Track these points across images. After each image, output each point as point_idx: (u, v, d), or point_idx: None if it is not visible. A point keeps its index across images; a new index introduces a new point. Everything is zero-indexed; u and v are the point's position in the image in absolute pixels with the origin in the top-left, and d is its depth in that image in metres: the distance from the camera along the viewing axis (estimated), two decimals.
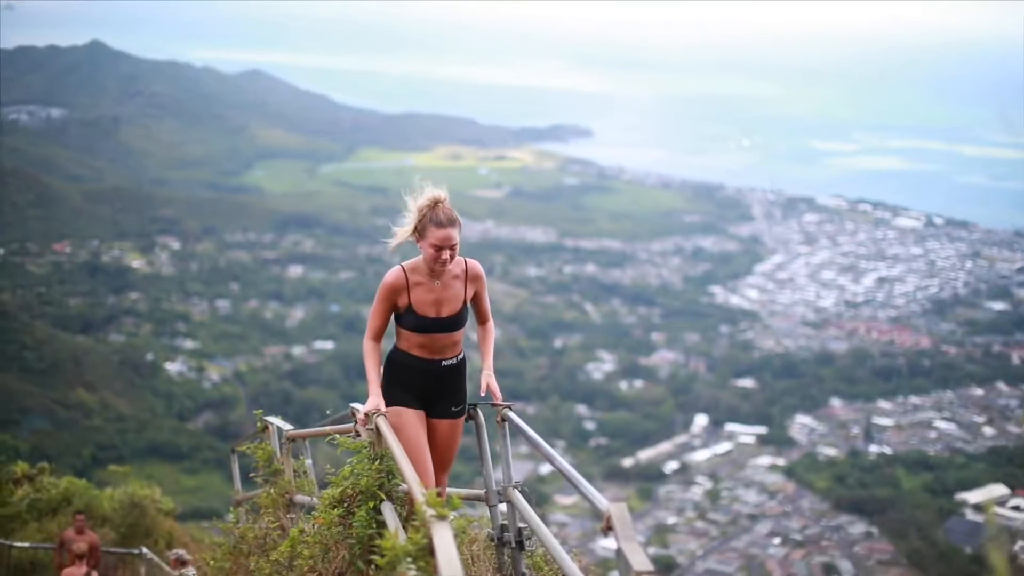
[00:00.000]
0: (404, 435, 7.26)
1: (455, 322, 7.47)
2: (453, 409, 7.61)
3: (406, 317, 7.44)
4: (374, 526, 6.56)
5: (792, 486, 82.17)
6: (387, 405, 7.38)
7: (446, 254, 7.27)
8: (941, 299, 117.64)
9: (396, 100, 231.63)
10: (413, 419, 7.46)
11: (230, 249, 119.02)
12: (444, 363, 7.52)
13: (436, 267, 7.34)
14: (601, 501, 5.21)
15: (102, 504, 21.53)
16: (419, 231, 7.39)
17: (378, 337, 7.62)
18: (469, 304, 7.69)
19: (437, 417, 7.60)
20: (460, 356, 7.65)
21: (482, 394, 7.61)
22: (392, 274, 7.46)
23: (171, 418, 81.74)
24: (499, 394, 7.57)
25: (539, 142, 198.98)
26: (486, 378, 7.61)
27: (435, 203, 7.37)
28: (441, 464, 7.63)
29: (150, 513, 21.83)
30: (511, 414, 7.29)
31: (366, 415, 7.26)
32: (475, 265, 7.64)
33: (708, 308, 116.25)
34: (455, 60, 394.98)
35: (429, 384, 7.52)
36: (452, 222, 7.30)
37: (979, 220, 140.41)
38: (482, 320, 7.88)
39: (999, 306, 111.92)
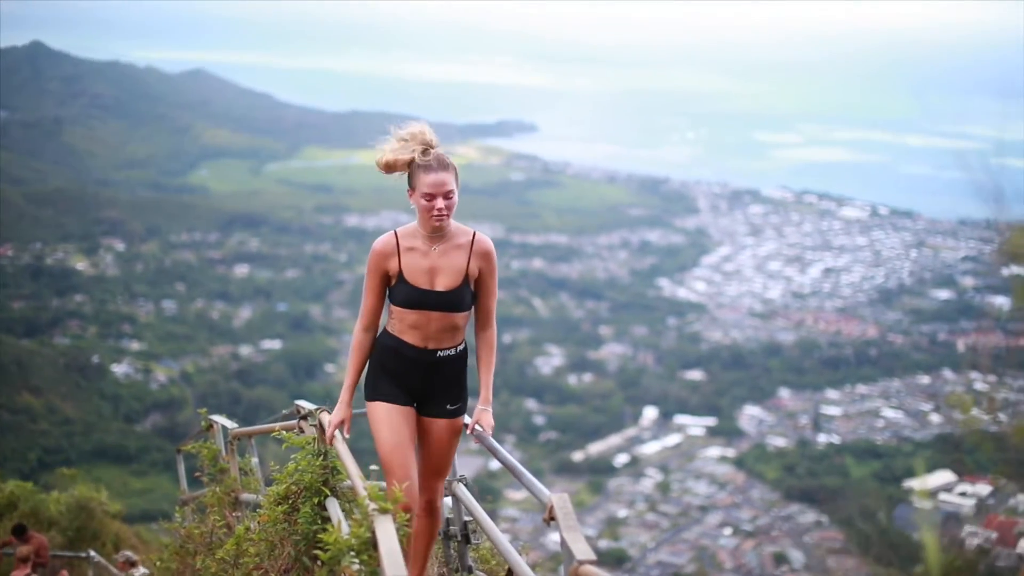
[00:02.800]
0: (381, 435, 6.49)
1: (453, 299, 6.45)
2: (449, 407, 6.65)
3: (397, 289, 6.46)
4: (319, 522, 6.52)
5: (742, 477, 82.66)
6: (368, 399, 6.63)
7: (441, 202, 6.33)
8: (887, 288, 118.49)
9: (340, 98, 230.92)
10: (396, 416, 6.52)
11: (175, 249, 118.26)
12: (440, 353, 6.53)
13: (433, 221, 6.37)
14: (543, 492, 5.22)
15: (48, 508, 21.37)
16: (409, 182, 6.47)
17: (370, 323, 6.65)
18: (472, 290, 6.62)
19: (430, 416, 6.66)
20: (460, 347, 6.63)
21: (468, 432, 6.72)
22: (381, 239, 6.55)
23: (118, 420, 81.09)
24: (489, 434, 6.60)
25: (484, 138, 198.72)
26: (480, 414, 6.67)
27: (423, 149, 6.49)
28: (435, 469, 6.74)
29: (97, 516, 21.69)
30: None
31: (332, 427, 6.57)
32: (484, 239, 6.69)
33: (655, 301, 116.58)
34: (400, 57, 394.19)
35: (421, 377, 6.56)
36: (444, 166, 6.41)
37: (923, 210, 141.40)
38: (483, 323, 6.73)
39: (944, 294, 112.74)
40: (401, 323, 6.51)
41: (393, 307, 6.53)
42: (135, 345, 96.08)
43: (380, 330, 6.69)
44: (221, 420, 11.06)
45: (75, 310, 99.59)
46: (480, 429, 6.64)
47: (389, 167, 6.54)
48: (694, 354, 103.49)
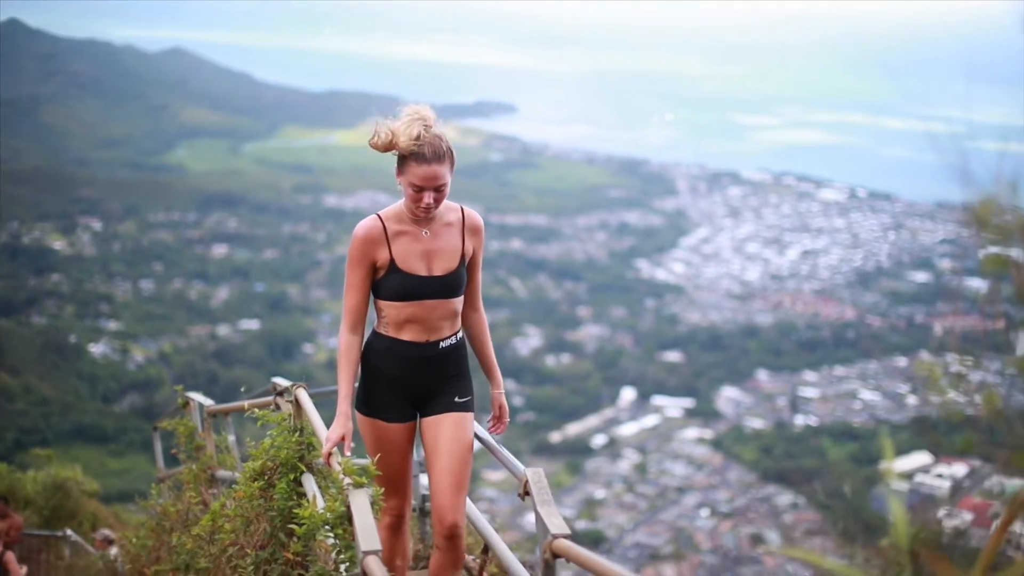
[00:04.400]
0: (381, 461, 5.69)
1: (453, 283, 5.79)
2: (457, 400, 5.90)
3: (389, 280, 5.72)
4: (295, 498, 6.49)
5: (719, 458, 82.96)
6: (361, 412, 5.89)
7: (430, 197, 5.62)
8: (865, 271, 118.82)
9: (319, 77, 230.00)
10: (394, 437, 5.89)
11: (153, 229, 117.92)
12: (443, 344, 5.85)
13: (419, 214, 5.68)
14: (518, 467, 5.23)
15: (25, 487, 21.34)
16: (398, 165, 5.68)
17: (357, 324, 5.83)
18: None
19: (437, 413, 5.90)
20: (459, 334, 5.97)
21: (493, 416, 6.14)
22: (364, 225, 5.76)
23: (95, 400, 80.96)
24: (507, 419, 6.17)
25: (463, 118, 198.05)
26: (498, 398, 6.14)
27: (421, 130, 5.64)
28: (454, 481, 5.79)
29: (74, 495, 21.66)
30: None
31: (331, 450, 5.59)
32: (474, 215, 6.00)
33: (634, 282, 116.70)
34: (379, 37, 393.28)
35: (424, 376, 5.86)
36: (439, 156, 5.64)
37: (901, 192, 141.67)
38: (474, 302, 6.09)
39: (921, 277, 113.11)
40: (396, 320, 5.78)
41: (384, 303, 5.79)
42: (112, 325, 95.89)
43: (370, 334, 5.94)
44: (197, 397, 11.07)
45: (52, 289, 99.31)
46: (493, 427, 6.11)
47: (387, 148, 5.66)
48: (672, 335, 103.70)
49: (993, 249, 2.41)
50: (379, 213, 5.79)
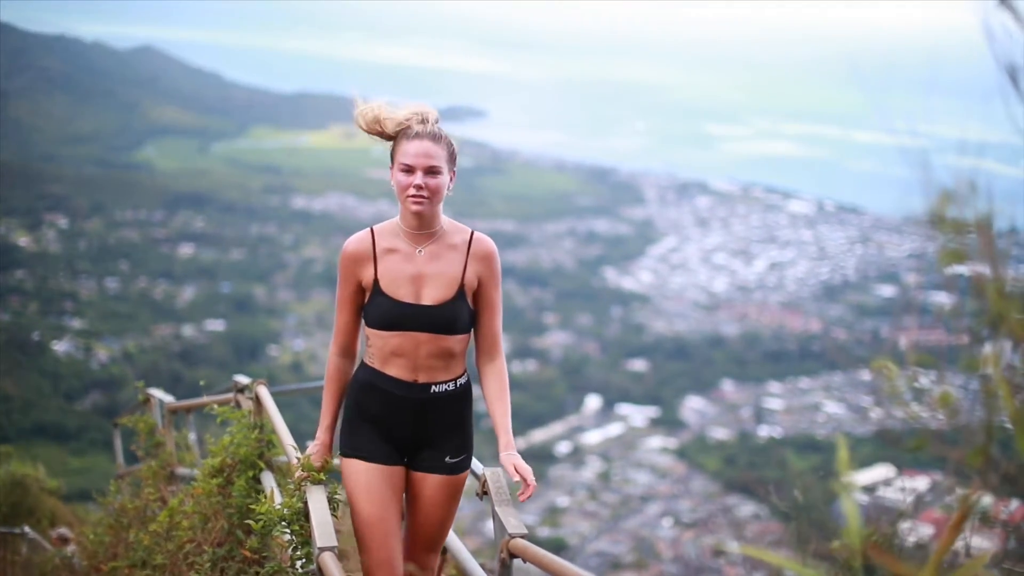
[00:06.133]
0: (358, 503, 5.13)
1: (446, 316, 5.12)
2: (449, 460, 5.31)
3: (373, 304, 5.09)
4: (253, 495, 6.45)
5: (683, 467, 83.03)
6: (342, 453, 5.25)
7: (420, 178, 5.00)
8: (831, 283, 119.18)
9: (290, 78, 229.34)
10: (376, 481, 5.15)
11: (119, 227, 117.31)
12: (435, 389, 5.19)
13: (410, 204, 5.02)
14: (477, 466, 5.22)
15: None
16: (391, 155, 5.18)
17: (347, 345, 5.33)
18: (470, 306, 5.32)
19: (423, 471, 5.28)
20: (461, 379, 5.34)
21: (514, 479, 5.09)
22: (352, 239, 5.21)
23: (58, 398, 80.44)
24: (532, 480, 5.03)
25: None
26: (509, 460, 5.16)
27: (418, 118, 5.15)
28: (426, 540, 5.34)
29: (33, 492, 21.53)
30: None
31: (308, 459, 5.26)
32: (485, 239, 5.38)
33: (601, 290, 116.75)
34: (351, 39, 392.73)
35: (412, 422, 5.21)
36: (435, 136, 5.08)
37: (869, 206, 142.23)
38: (489, 349, 5.45)
39: (887, 291, 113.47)
40: (382, 352, 5.11)
41: (370, 331, 5.16)
42: (76, 323, 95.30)
43: (358, 365, 5.32)
44: (158, 393, 11.03)
45: (16, 286, 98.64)
46: (533, 484, 5.03)
47: (373, 124, 5.18)
48: (638, 344, 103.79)
49: (950, 244, 2.41)
50: (372, 227, 5.25)
